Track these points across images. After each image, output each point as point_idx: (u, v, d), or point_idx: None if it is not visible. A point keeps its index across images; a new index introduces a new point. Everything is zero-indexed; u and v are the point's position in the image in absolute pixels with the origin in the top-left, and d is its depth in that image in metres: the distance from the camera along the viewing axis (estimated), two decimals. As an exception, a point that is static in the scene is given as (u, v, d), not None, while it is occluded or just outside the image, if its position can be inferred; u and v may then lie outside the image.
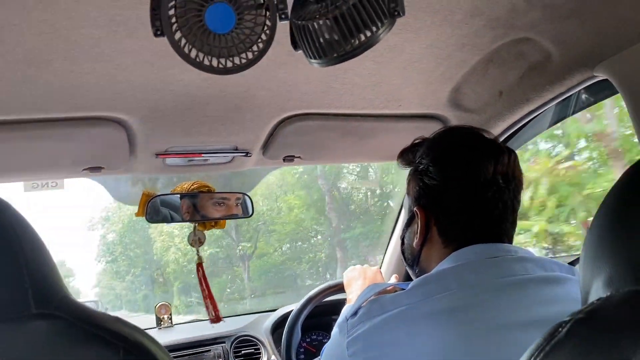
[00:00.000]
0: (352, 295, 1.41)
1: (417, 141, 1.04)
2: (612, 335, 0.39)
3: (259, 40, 0.64)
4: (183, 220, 1.66)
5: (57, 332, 0.48)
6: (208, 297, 1.62)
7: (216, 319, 1.64)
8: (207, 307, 1.65)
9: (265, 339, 1.90)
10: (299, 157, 1.52)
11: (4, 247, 0.48)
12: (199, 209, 1.68)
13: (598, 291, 0.46)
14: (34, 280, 0.49)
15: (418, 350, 0.76)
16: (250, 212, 1.75)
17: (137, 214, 1.56)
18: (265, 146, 1.41)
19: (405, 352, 0.77)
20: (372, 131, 1.42)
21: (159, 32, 0.61)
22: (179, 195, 1.64)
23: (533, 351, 0.44)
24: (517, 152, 0.96)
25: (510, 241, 0.94)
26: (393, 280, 1.65)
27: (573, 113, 1.47)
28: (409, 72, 1.13)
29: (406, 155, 1.04)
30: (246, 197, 1.73)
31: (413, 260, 1.01)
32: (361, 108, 1.29)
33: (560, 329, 0.43)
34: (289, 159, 1.52)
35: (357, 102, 1.26)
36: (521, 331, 0.75)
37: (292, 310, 1.67)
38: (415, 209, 0.97)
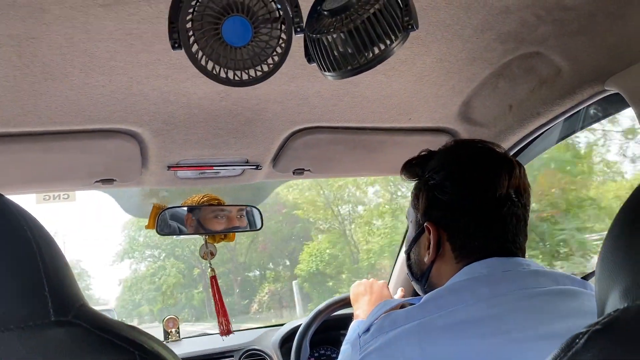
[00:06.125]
0: (360, 311, 1.40)
1: (423, 154, 1.02)
2: (630, 347, 0.39)
3: (275, 53, 0.65)
4: (193, 233, 1.67)
5: (75, 339, 0.48)
6: (221, 309, 1.62)
7: (227, 332, 1.65)
8: (218, 320, 1.65)
9: (274, 353, 1.89)
10: (308, 170, 1.53)
11: (23, 254, 0.49)
12: (207, 222, 1.69)
13: (615, 303, 0.46)
14: (52, 289, 0.49)
15: None
16: (259, 225, 1.75)
17: (147, 227, 1.57)
18: (276, 159, 1.42)
19: None
20: (381, 145, 1.43)
21: (176, 45, 0.62)
22: (189, 208, 1.65)
23: None
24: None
25: (523, 254, 0.93)
26: (399, 293, 1.65)
27: (582, 127, 1.47)
28: (420, 86, 1.14)
29: (412, 168, 1.02)
30: (255, 210, 1.73)
31: (422, 275, 1.00)
32: (371, 121, 1.30)
33: (577, 340, 0.43)
34: (298, 172, 1.53)
35: (367, 116, 1.26)
36: (534, 344, 0.75)
37: (300, 325, 1.67)
38: (426, 224, 0.96)
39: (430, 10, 0.88)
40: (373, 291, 1.41)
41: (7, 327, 0.46)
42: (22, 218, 0.51)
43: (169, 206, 1.59)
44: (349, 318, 1.61)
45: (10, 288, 0.47)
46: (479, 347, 0.75)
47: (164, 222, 1.56)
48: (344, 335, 1.51)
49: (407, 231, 1.96)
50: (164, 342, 2.01)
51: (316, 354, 1.96)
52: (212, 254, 1.70)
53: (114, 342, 0.49)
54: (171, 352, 0.55)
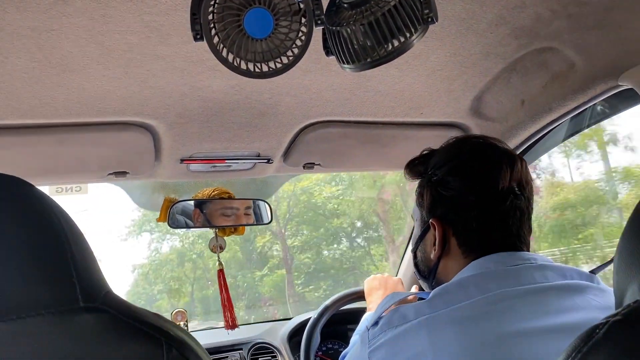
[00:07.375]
0: (373, 305, 1.41)
1: (425, 152, 1.03)
2: None
3: (294, 45, 0.66)
4: (203, 226, 1.68)
5: (103, 325, 0.49)
6: (227, 303, 1.63)
7: (232, 326, 1.65)
8: (224, 314, 1.66)
9: (282, 346, 1.90)
10: (318, 164, 1.53)
11: (52, 242, 0.50)
12: (213, 219, 1.69)
13: (634, 294, 0.46)
14: (80, 275, 0.50)
15: (440, 359, 0.76)
16: (269, 220, 1.76)
17: (158, 220, 1.58)
18: (287, 153, 1.43)
19: None
20: (392, 139, 1.43)
21: (198, 36, 0.63)
22: (199, 202, 1.66)
23: (570, 352, 0.45)
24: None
25: (528, 248, 0.94)
26: (413, 289, 1.65)
27: (594, 123, 1.47)
28: (432, 80, 1.14)
29: (416, 167, 1.03)
30: (265, 204, 1.74)
31: (429, 272, 1.01)
32: (383, 116, 1.30)
33: (597, 331, 0.43)
34: (308, 166, 1.53)
35: (379, 110, 1.27)
36: (540, 338, 0.75)
37: (308, 318, 1.67)
38: (431, 220, 0.96)
39: (446, 4, 0.88)
40: (387, 286, 1.42)
41: (38, 312, 0.47)
42: (52, 208, 0.52)
43: (180, 199, 1.60)
44: (358, 312, 1.62)
45: (40, 274, 0.48)
46: (488, 342, 0.75)
47: (175, 215, 1.58)
48: (352, 330, 1.51)
49: (413, 230, 1.97)
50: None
51: (324, 348, 1.97)
52: (222, 248, 1.71)
53: (142, 329, 0.50)
54: (194, 339, 0.56)
